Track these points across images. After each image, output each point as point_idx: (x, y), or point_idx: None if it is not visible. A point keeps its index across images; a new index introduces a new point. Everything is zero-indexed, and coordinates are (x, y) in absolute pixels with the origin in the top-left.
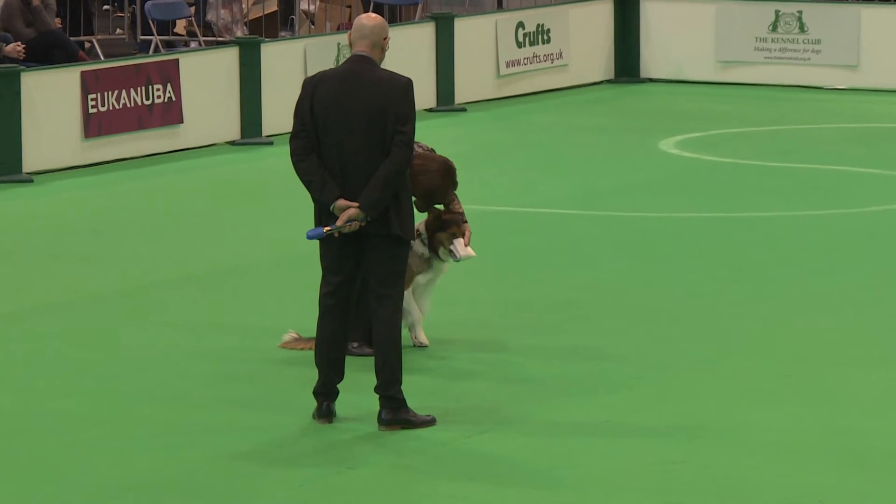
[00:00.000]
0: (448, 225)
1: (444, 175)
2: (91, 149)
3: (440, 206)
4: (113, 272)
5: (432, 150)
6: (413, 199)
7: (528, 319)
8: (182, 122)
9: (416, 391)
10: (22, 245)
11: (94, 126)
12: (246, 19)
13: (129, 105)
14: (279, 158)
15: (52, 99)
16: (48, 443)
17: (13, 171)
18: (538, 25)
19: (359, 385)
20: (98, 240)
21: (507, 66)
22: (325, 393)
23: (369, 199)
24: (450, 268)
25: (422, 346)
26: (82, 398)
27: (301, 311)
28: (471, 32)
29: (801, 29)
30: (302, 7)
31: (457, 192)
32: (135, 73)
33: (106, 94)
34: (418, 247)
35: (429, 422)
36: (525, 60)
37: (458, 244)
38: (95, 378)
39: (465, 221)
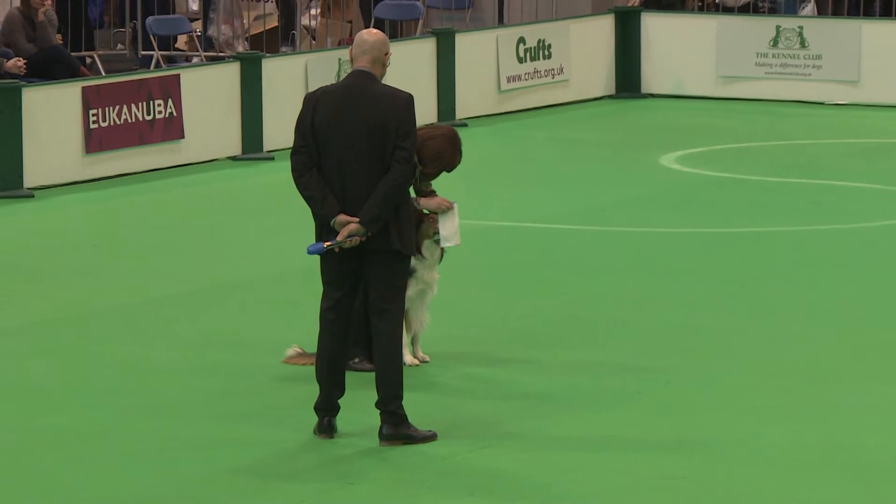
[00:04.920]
0: (423, 216)
1: (452, 140)
2: (92, 164)
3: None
4: (114, 287)
5: None
6: (421, 169)
7: (529, 334)
8: (183, 138)
9: (416, 406)
10: (22, 260)
11: (96, 141)
12: (247, 35)
13: (130, 120)
14: (280, 174)
15: (53, 114)
16: (47, 458)
17: (14, 186)
18: (539, 41)
19: (360, 400)
20: (99, 255)
21: (508, 81)
22: (326, 408)
23: (369, 214)
24: (451, 280)
25: (424, 361)
26: (83, 413)
27: (302, 327)
28: (472, 48)
29: (802, 44)
30: (303, 22)
31: (461, 203)
32: (136, 88)
33: (107, 109)
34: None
35: (430, 437)
36: (526, 76)
37: (442, 225)
38: (96, 393)
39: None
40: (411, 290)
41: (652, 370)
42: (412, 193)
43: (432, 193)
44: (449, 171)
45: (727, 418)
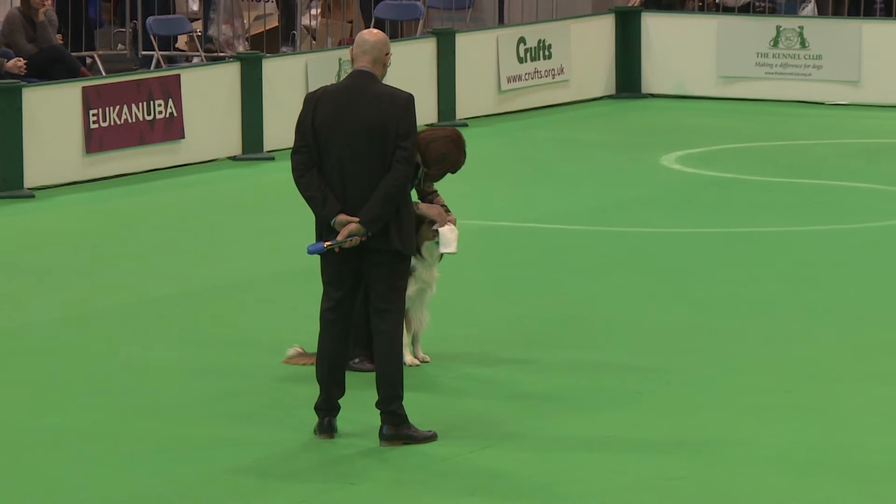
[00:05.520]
0: (424, 218)
1: (456, 141)
2: (92, 164)
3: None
4: (114, 287)
5: None
6: (425, 171)
7: (530, 334)
8: (183, 138)
9: (417, 406)
10: (23, 260)
11: (96, 141)
12: (247, 35)
13: (130, 120)
14: (280, 174)
15: (53, 114)
16: (48, 458)
17: (14, 186)
18: (539, 41)
19: (360, 400)
20: (99, 255)
21: (509, 81)
22: (327, 408)
23: (370, 214)
24: (451, 280)
25: (424, 361)
26: (83, 413)
27: (302, 327)
28: (472, 48)
29: (803, 44)
30: (303, 22)
31: (460, 204)
32: (136, 88)
33: (107, 109)
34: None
35: (430, 437)
36: (526, 76)
37: (443, 232)
38: (96, 393)
39: (449, 211)
40: (411, 289)
41: (652, 370)
42: (415, 196)
43: (434, 194)
44: (453, 172)
45: (727, 418)
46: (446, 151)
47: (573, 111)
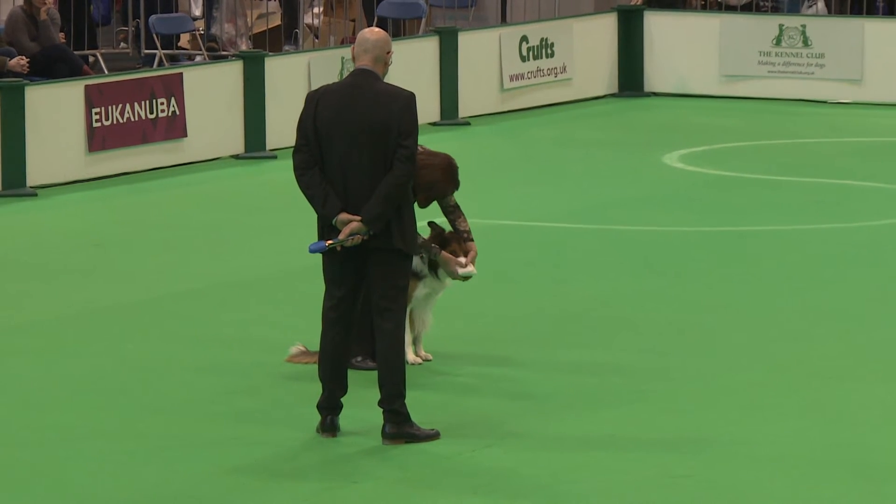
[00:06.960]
0: (448, 243)
1: (445, 170)
2: (95, 163)
3: (449, 229)
4: (116, 286)
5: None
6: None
7: (532, 333)
8: (186, 136)
9: (419, 405)
10: (26, 259)
11: (98, 140)
12: (250, 33)
13: (132, 119)
14: (283, 172)
15: (56, 113)
16: (51, 456)
17: (17, 184)
18: (542, 39)
19: (362, 399)
20: (101, 254)
21: (511, 79)
22: (329, 407)
23: (371, 212)
24: (453, 283)
25: (426, 360)
26: (86, 412)
27: (305, 326)
28: (474, 46)
29: (805, 43)
30: (306, 21)
31: (461, 204)
32: (139, 87)
33: (110, 108)
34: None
35: (432, 436)
36: (529, 74)
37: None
38: (99, 391)
39: (471, 240)
40: (419, 292)
41: (654, 369)
42: (446, 226)
43: (456, 211)
44: (440, 199)
45: (730, 417)
46: (435, 180)
47: (575, 110)
